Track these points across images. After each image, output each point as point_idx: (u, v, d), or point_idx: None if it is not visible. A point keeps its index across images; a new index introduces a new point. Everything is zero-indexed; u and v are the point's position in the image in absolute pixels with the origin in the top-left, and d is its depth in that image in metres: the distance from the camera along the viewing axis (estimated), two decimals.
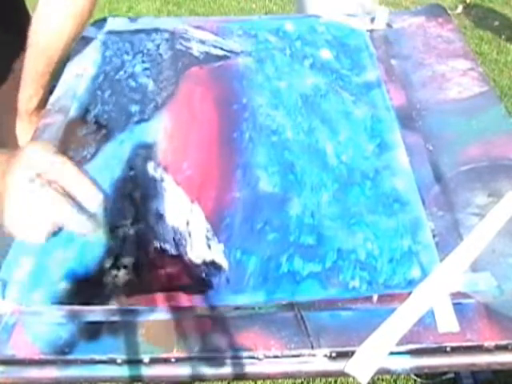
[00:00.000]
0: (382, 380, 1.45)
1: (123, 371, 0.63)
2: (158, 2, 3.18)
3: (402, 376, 1.43)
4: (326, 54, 1.06)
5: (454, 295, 0.67)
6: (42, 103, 1.00)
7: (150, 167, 0.84)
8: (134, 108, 0.95)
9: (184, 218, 0.77)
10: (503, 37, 2.68)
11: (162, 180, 0.82)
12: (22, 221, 0.65)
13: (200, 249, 0.73)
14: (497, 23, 2.80)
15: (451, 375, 1.34)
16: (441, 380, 1.36)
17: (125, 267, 0.72)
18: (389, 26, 1.13)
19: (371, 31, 1.12)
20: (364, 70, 1.02)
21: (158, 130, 0.91)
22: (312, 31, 1.13)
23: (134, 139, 0.89)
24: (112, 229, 0.76)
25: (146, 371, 0.63)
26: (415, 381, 1.41)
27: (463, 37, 1.11)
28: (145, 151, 0.87)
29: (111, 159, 0.86)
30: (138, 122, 0.92)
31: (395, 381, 1.45)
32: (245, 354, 0.63)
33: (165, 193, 0.80)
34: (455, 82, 0.98)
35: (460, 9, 2.89)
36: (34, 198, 0.63)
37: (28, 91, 1.00)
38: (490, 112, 0.92)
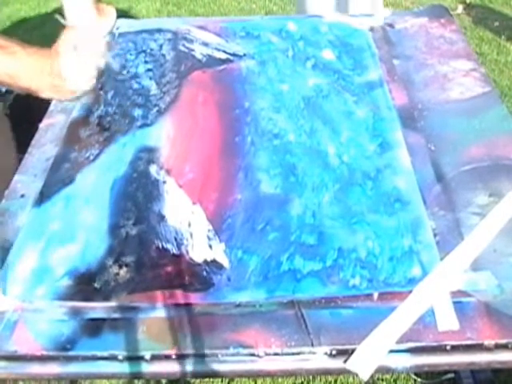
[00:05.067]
0: (382, 380, 1.45)
1: (124, 368, 0.64)
2: (158, 2, 3.18)
3: (402, 376, 1.43)
4: (328, 55, 1.07)
5: (455, 294, 0.67)
6: None
7: (153, 170, 0.85)
8: (137, 112, 0.96)
9: (186, 219, 0.77)
10: (503, 37, 2.68)
11: (164, 182, 0.83)
12: (79, 75, 0.91)
13: (201, 248, 0.74)
14: (497, 23, 2.79)
15: (451, 375, 1.33)
16: (441, 380, 1.36)
17: (127, 265, 0.72)
18: (391, 26, 1.14)
19: (372, 30, 1.12)
20: (366, 69, 1.02)
21: (161, 134, 0.91)
22: (315, 31, 1.13)
23: (137, 143, 0.90)
24: (114, 228, 0.76)
25: (147, 368, 0.64)
26: (415, 381, 1.41)
27: (465, 37, 1.11)
28: (148, 154, 0.87)
29: (114, 161, 0.86)
30: (141, 126, 0.93)
31: (395, 381, 1.44)
32: (245, 351, 0.63)
33: (167, 195, 0.81)
34: (457, 82, 0.98)
35: (460, 9, 2.89)
36: (83, 58, 0.91)
37: None
38: (492, 112, 0.92)
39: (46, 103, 1.00)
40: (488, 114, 0.91)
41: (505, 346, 0.63)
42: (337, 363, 0.63)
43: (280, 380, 1.41)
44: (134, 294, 0.69)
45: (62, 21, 0.98)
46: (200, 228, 0.76)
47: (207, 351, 0.63)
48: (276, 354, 0.63)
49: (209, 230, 0.76)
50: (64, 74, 0.89)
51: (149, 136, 0.91)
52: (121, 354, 0.63)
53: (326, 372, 0.75)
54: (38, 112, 1.02)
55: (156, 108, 0.96)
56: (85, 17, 1.06)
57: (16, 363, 0.64)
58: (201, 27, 1.15)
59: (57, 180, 0.84)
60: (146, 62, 1.06)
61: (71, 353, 0.63)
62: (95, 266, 0.72)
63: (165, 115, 0.95)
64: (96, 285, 0.70)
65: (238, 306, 0.67)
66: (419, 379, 1.39)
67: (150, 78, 1.03)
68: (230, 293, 0.68)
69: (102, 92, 1.00)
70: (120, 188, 0.82)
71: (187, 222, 0.77)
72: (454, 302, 0.66)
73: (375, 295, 0.67)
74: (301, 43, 1.09)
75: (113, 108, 0.97)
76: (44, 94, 0.91)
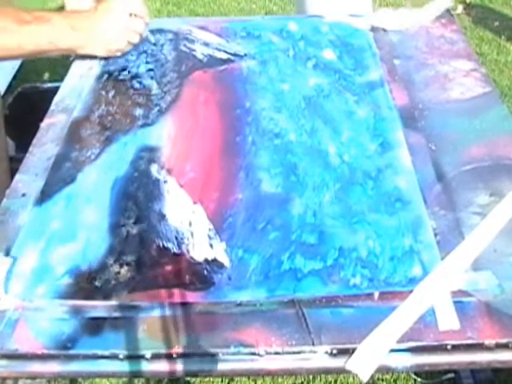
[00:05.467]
0: (382, 380, 1.45)
1: (125, 366, 0.64)
2: (158, 2, 3.19)
3: (402, 376, 1.43)
4: (329, 55, 1.07)
5: (455, 293, 0.67)
6: None
7: (154, 169, 0.85)
8: (139, 111, 0.96)
9: (186, 219, 0.77)
10: (503, 37, 2.68)
11: (165, 182, 0.83)
12: (126, 38, 1.03)
13: (202, 247, 0.74)
14: (497, 23, 2.80)
15: (451, 375, 1.34)
16: (441, 380, 1.36)
17: (127, 264, 0.72)
18: None
19: (373, 30, 1.12)
20: (367, 69, 1.03)
21: (162, 133, 0.91)
22: (315, 31, 1.13)
23: (138, 142, 0.90)
24: (115, 227, 0.76)
25: (148, 367, 0.64)
26: (415, 381, 1.41)
27: (466, 37, 1.12)
28: (149, 153, 0.88)
29: (115, 160, 0.86)
30: (143, 126, 0.93)
31: (395, 381, 1.45)
32: (246, 350, 0.63)
33: (168, 194, 0.81)
34: (458, 82, 0.98)
35: (460, 9, 2.89)
36: (133, 24, 1.02)
37: None
38: (493, 112, 0.92)
39: (46, 103, 1.00)
40: (489, 114, 0.91)
41: (505, 346, 0.63)
42: (337, 362, 0.63)
43: (280, 380, 1.41)
44: (134, 293, 0.69)
45: None
46: (201, 227, 0.76)
47: (208, 350, 0.63)
48: (277, 353, 0.63)
49: (209, 230, 0.76)
50: (112, 36, 1.00)
51: (150, 135, 0.91)
52: (121, 352, 0.63)
53: (327, 371, 0.75)
54: (38, 111, 1.02)
55: (157, 108, 0.97)
56: None
57: (17, 362, 0.63)
58: (202, 27, 1.15)
59: (58, 179, 0.84)
60: (147, 62, 1.07)
61: (72, 351, 0.63)
62: (96, 265, 0.72)
63: (166, 115, 0.95)
64: (97, 283, 0.70)
65: (239, 305, 0.67)
66: (419, 379, 1.39)
67: (151, 78, 1.03)
68: (231, 292, 0.69)
69: (103, 92, 1.00)
70: (121, 187, 0.82)
71: (188, 222, 0.77)
72: (455, 302, 0.66)
73: (376, 294, 0.67)
74: (301, 43, 1.10)
75: (114, 107, 0.97)
76: (84, 51, 1.01)
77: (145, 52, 1.09)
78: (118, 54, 1.05)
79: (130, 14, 1.00)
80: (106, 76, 1.03)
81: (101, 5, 0.99)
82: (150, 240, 0.75)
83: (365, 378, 0.61)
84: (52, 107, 0.98)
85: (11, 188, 0.83)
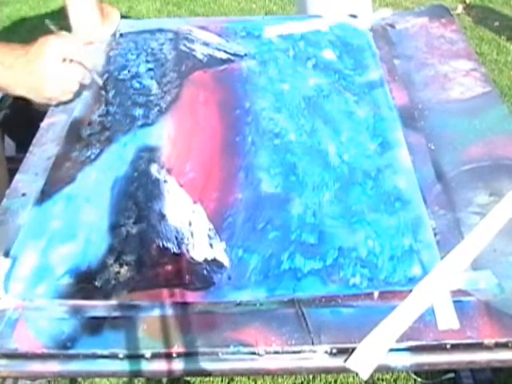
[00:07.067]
0: (382, 380, 1.45)
1: (125, 366, 0.64)
2: (158, 2, 3.19)
3: (402, 376, 1.43)
4: (329, 55, 1.07)
5: (455, 293, 0.67)
6: None
7: (154, 169, 0.85)
8: (138, 111, 0.96)
9: (186, 218, 0.77)
10: (503, 37, 2.68)
11: (165, 181, 0.83)
12: (59, 86, 0.90)
13: (202, 247, 0.74)
14: (497, 23, 2.79)
15: (451, 375, 1.34)
16: (441, 380, 1.36)
17: (127, 264, 0.72)
18: (391, 26, 1.14)
19: (373, 30, 1.12)
20: (367, 69, 1.03)
21: (162, 133, 0.91)
22: (315, 31, 1.13)
23: (138, 142, 0.90)
24: (115, 227, 0.76)
25: (148, 366, 0.64)
26: (415, 381, 1.41)
27: (466, 37, 1.12)
28: (148, 154, 0.88)
29: (115, 160, 0.87)
30: (142, 126, 0.93)
31: (395, 381, 1.45)
32: (246, 349, 0.63)
33: (168, 194, 0.81)
34: (458, 82, 0.98)
35: (460, 9, 2.89)
36: (67, 70, 0.89)
37: None
38: (492, 112, 0.92)
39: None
40: (488, 114, 0.91)
41: (505, 345, 0.63)
42: (337, 362, 0.63)
43: (280, 380, 1.41)
44: (134, 293, 0.69)
45: (52, 27, 0.95)
46: (201, 227, 0.76)
47: (207, 350, 0.63)
48: (276, 353, 0.63)
49: (209, 229, 0.76)
50: (43, 82, 0.87)
51: (150, 135, 0.91)
52: (121, 352, 0.63)
53: (327, 371, 0.75)
54: (38, 112, 1.02)
55: (157, 107, 0.97)
56: (89, 18, 1.06)
57: (17, 361, 0.64)
58: (202, 27, 1.15)
59: (58, 179, 0.84)
60: (147, 62, 1.07)
61: (72, 351, 0.63)
62: (96, 265, 0.72)
63: (166, 115, 0.95)
64: (97, 283, 0.70)
65: (239, 304, 0.67)
66: (419, 379, 1.39)
67: (151, 78, 1.03)
68: (231, 291, 0.69)
69: (103, 92, 1.00)
70: (121, 187, 0.82)
71: (188, 221, 0.77)
72: (454, 301, 0.66)
73: (375, 294, 0.67)
74: (301, 43, 1.10)
75: (114, 107, 0.97)
76: (15, 92, 0.90)
77: (145, 51, 1.09)
78: (54, 102, 0.93)
79: (64, 59, 0.88)
80: (106, 76, 1.03)
81: (33, 47, 0.87)
82: (149, 240, 0.75)
83: (365, 376, 0.61)
84: (52, 107, 0.98)
85: (11, 188, 0.83)
